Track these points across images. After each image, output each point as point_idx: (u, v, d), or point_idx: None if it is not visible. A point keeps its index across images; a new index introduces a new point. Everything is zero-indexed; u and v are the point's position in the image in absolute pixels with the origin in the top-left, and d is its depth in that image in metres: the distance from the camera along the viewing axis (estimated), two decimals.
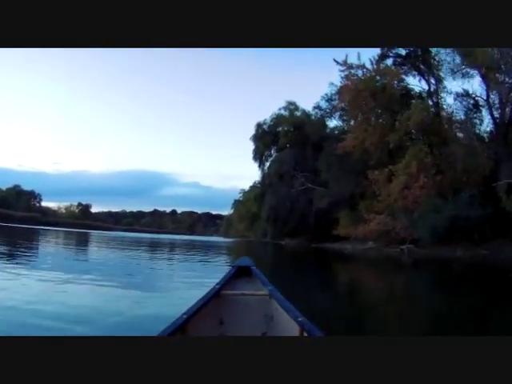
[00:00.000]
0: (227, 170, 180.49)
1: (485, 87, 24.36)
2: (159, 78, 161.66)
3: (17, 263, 7.80)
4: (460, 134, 23.40)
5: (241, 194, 60.26)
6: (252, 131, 43.16)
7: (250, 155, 43.14)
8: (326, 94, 35.01)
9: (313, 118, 39.72)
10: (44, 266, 7.46)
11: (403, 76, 26.61)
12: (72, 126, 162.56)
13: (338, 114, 35.36)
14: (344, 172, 27.55)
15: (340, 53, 28.46)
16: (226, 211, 76.71)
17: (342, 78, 27.70)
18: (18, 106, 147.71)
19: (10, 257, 9.32)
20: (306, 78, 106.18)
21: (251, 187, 52.86)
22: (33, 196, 79.41)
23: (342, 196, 27.34)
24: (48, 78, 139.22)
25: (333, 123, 37.53)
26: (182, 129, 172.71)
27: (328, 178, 29.57)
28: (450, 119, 24.26)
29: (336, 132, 35.15)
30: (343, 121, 33.83)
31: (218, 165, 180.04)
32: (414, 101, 24.31)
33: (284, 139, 40.36)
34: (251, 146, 43.18)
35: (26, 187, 77.99)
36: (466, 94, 25.37)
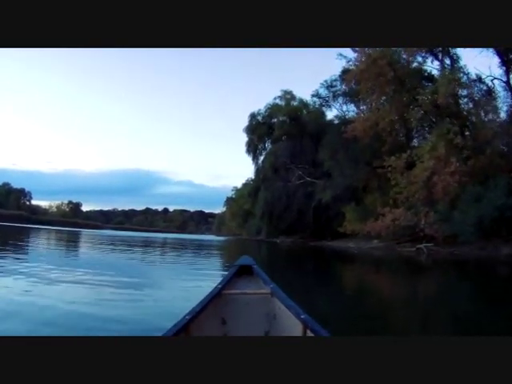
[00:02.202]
0: (220, 169, 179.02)
1: (504, 67, 22.18)
2: (152, 77, 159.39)
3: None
4: (484, 117, 20.48)
5: (233, 192, 58.03)
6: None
7: (243, 150, 40.50)
8: (326, 81, 32.55)
9: (311, 107, 37.14)
10: (32, 265, 6.99)
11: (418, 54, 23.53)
12: (65, 125, 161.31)
13: (338, 102, 32.78)
14: (350, 160, 24.48)
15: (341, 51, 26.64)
16: (219, 209, 74.87)
17: (352, 48, 24.35)
18: (12, 105, 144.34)
19: None
20: (303, 66, 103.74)
21: (244, 184, 50.90)
22: (23, 194, 78.19)
23: (347, 187, 24.32)
24: (41, 77, 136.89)
25: (332, 113, 34.77)
26: (175, 127, 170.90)
27: (331, 168, 26.64)
28: (473, 99, 21.32)
29: (336, 122, 32.39)
30: (351, 102, 30.64)
31: (211, 163, 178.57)
32: (425, 83, 21.51)
33: (279, 130, 38.08)
34: (244, 141, 40.49)
35: (19, 186, 77.76)
36: (478, 80, 23.11)
